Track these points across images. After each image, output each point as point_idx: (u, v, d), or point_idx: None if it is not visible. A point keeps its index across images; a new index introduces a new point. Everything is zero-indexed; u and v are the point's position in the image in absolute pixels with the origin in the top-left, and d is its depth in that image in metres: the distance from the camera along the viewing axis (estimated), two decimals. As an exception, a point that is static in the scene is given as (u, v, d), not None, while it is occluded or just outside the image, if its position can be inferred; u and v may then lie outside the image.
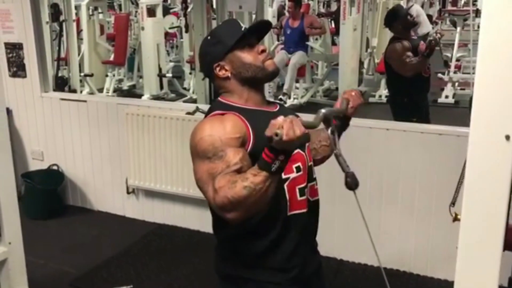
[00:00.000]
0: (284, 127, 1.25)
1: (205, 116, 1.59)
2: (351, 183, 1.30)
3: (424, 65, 3.92)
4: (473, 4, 7.94)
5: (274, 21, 8.29)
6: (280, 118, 1.28)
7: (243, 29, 1.59)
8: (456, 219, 1.49)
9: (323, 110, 1.39)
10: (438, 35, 3.84)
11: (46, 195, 4.03)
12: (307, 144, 1.63)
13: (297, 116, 1.39)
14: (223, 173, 1.38)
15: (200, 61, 1.68)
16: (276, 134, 1.25)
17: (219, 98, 1.64)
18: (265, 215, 1.46)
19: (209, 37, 1.64)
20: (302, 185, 1.59)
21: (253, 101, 1.60)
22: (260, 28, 1.66)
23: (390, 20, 4.12)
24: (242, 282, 1.60)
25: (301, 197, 1.59)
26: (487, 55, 1.04)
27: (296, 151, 1.52)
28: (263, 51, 1.60)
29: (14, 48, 3.95)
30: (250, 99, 1.60)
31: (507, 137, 1.04)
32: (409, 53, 3.90)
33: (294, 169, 1.56)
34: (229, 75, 1.59)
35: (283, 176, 1.50)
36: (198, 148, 1.47)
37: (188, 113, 3.51)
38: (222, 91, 1.64)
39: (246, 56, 1.58)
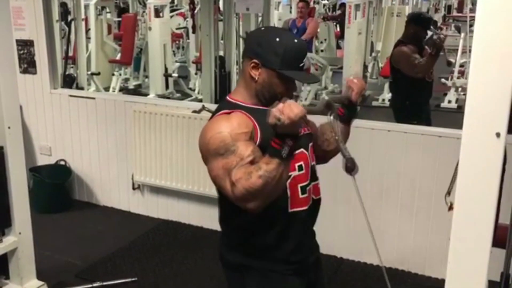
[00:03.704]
0: (283, 111, 1.32)
1: (212, 116, 1.62)
2: (350, 167, 1.37)
3: (432, 64, 3.88)
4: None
5: (279, 24, 8.38)
6: (278, 105, 1.34)
7: (301, 64, 1.56)
8: (451, 208, 1.52)
9: (325, 96, 1.47)
10: (442, 35, 3.86)
11: (53, 189, 4.11)
12: (310, 144, 1.69)
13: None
14: (238, 166, 1.43)
15: (250, 45, 1.63)
16: (279, 120, 1.33)
17: (227, 97, 1.67)
18: (265, 211, 1.48)
19: (277, 39, 1.56)
20: (304, 184, 1.64)
21: (259, 104, 1.62)
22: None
23: (413, 20, 4.13)
24: (246, 270, 1.67)
25: (302, 195, 1.64)
26: (480, 55, 1.08)
27: (299, 150, 1.57)
28: (292, 95, 1.59)
29: (25, 45, 4.02)
30: (256, 104, 1.62)
31: (498, 134, 1.09)
32: (417, 55, 3.91)
33: (296, 168, 1.61)
34: (254, 79, 1.58)
35: None
36: (209, 147, 1.50)
37: (194, 112, 3.57)
38: (239, 84, 1.67)
39: (279, 86, 1.57)
